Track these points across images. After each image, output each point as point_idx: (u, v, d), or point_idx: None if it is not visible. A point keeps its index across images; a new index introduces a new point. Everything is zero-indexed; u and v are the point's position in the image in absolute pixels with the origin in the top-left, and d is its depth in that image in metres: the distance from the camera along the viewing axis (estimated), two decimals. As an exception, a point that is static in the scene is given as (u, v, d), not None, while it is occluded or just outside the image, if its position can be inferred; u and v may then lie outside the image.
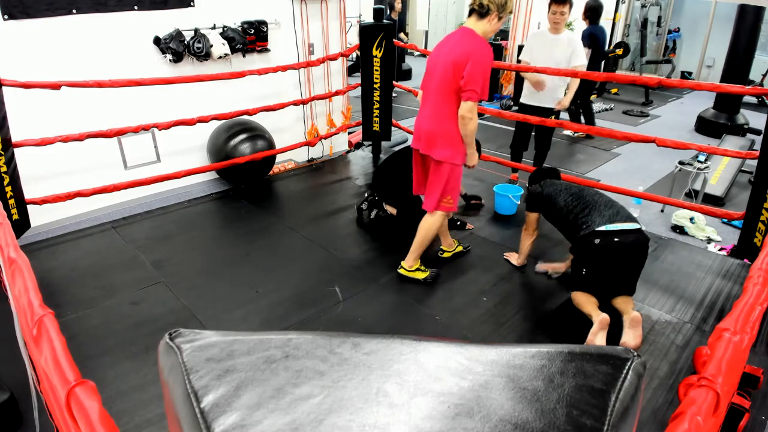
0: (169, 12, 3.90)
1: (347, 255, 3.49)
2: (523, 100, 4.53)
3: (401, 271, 3.16)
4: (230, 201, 4.31)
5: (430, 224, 3.00)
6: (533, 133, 4.65)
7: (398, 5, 8.49)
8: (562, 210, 2.88)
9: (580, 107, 6.72)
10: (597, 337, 2.55)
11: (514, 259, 3.38)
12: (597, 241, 2.62)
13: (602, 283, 2.72)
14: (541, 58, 4.25)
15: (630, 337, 2.59)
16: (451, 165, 2.81)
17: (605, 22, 7.78)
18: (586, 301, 2.71)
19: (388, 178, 3.92)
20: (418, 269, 3.15)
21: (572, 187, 2.99)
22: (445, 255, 3.44)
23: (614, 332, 2.62)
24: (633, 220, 2.70)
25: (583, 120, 6.77)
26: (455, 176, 2.86)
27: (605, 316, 2.58)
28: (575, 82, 4.33)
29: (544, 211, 3.08)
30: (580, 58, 4.25)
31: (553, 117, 4.37)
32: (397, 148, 4.21)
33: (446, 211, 2.99)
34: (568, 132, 6.69)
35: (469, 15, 2.72)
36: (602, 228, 2.63)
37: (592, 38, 6.37)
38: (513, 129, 4.83)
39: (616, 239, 2.60)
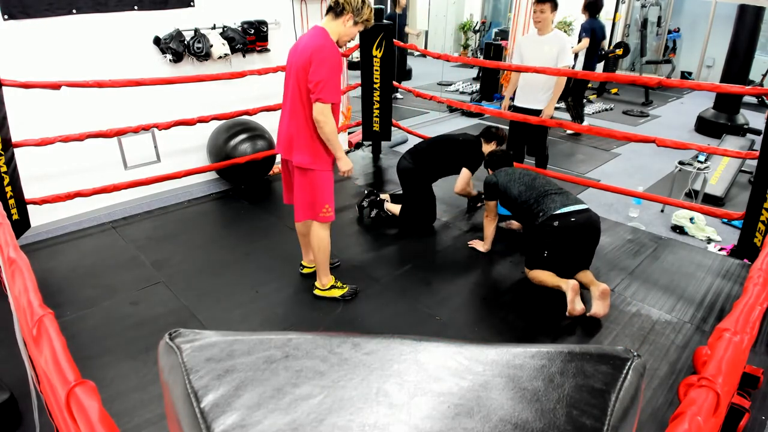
0: (169, 12, 3.90)
1: (347, 255, 3.49)
2: (515, 102, 4.56)
3: (316, 292, 2.96)
4: (230, 201, 4.31)
5: (318, 238, 2.79)
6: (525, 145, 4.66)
7: (402, 0, 8.51)
8: (517, 200, 3.10)
9: (575, 105, 6.74)
10: (576, 304, 2.78)
11: (480, 246, 3.51)
12: (556, 223, 2.86)
13: (563, 262, 2.94)
14: (530, 58, 4.28)
15: (600, 307, 2.78)
16: (315, 172, 2.63)
17: (606, 21, 7.79)
18: (547, 277, 2.92)
19: (430, 162, 3.84)
20: (333, 287, 2.95)
21: (524, 177, 3.17)
22: (305, 271, 3.18)
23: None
24: (582, 202, 2.98)
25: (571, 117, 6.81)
26: (322, 183, 2.66)
27: (574, 282, 2.80)
28: (559, 85, 4.30)
29: (500, 198, 3.26)
30: (567, 58, 4.24)
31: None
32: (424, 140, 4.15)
33: (325, 222, 2.76)
34: (571, 131, 6.70)
35: (326, 13, 2.57)
36: (558, 211, 2.87)
37: (592, 31, 6.40)
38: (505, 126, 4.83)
39: (572, 219, 2.86)
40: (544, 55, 4.24)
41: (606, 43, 7.38)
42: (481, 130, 3.89)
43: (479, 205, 4.22)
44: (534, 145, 4.61)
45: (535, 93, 4.35)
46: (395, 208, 3.88)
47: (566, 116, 6.99)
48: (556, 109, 4.46)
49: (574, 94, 6.66)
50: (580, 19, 6.89)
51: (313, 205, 2.71)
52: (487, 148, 3.79)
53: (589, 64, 6.67)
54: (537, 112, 4.35)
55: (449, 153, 3.85)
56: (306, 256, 3.17)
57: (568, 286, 2.80)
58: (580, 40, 6.54)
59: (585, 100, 6.92)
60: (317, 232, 2.79)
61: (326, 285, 2.94)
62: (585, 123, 6.75)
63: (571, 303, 2.78)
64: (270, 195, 4.51)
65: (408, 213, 3.84)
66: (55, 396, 1.09)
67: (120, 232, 3.73)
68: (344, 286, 2.99)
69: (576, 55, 6.84)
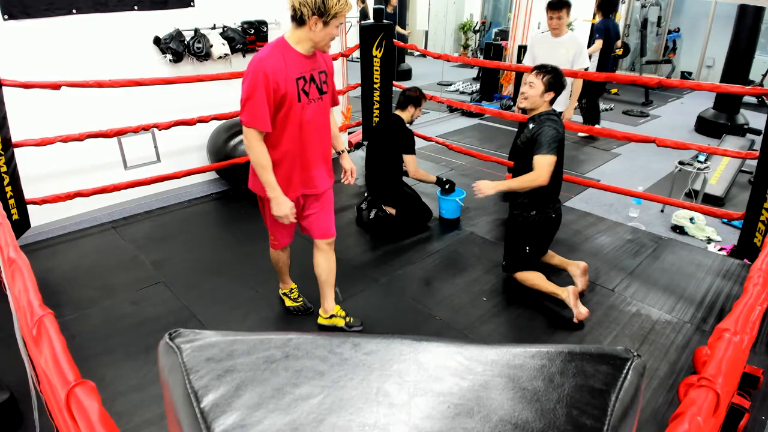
0: (169, 12, 3.90)
1: (347, 255, 3.49)
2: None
3: (321, 320, 2.75)
4: (230, 201, 4.31)
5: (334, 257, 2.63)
6: None
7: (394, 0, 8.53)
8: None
9: (590, 106, 6.71)
10: (580, 308, 2.79)
11: (489, 186, 2.78)
12: (553, 215, 2.95)
13: (541, 253, 3.07)
14: (544, 60, 4.23)
15: (581, 282, 2.98)
16: (259, 196, 2.43)
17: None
18: (540, 281, 2.94)
19: (373, 179, 3.91)
20: (334, 315, 2.73)
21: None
22: (287, 303, 2.91)
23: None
24: None
25: (583, 119, 6.77)
26: (267, 211, 2.40)
27: (572, 288, 2.84)
28: (578, 87, 4.25)
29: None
30: (584, 60, 4.19)
31: None
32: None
33: (272, 249, 2.66)
34: (581, 134, 6.64)
35: (291, 19, 2.16)
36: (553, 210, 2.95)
37: (606, 32, 6.33)
38: (514, 129, 4.83)
39: (553, 215, 2.96)
40: (559, 57, 4.17)
41: (619, 43, 7.27)
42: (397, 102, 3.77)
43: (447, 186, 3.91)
44: None
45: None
46: (392, 210, 3.88)
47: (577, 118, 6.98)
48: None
49: (590, 96, 6.62)
50: (580, 19, 6.86)
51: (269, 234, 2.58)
52: (408, 114, 3.72)
53: (603, 65, 6.60)
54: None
55: (381, 142, 3.83)
56: (283, 285, 2.88)
57: (568, 293, 2.79)
58: (591, 41, 6.49)
59: (595, 101, 6.85)
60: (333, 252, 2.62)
61: (330, 312, 2.72)
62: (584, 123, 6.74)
63: (576, 308, 2.78)
64: (270, 195, 4.51)
65: (403, 212, 3.85)
66: (55, 396, 1.09)
67: (120, 232, 3.73)
68: (347, 316, 2.75)
69: (590, 57, 6.83)
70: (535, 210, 2.89)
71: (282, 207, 2.24)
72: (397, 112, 3.75)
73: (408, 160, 3.74)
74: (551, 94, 2.79)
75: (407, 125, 3.73)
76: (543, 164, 2.71)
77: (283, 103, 2.12)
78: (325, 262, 2.61)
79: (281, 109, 2.14)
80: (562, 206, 3.02)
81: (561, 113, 4.29)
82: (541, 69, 2.81)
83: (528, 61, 4.37)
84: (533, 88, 2.78)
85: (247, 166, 4.30)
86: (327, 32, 2.11)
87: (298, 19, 2.09)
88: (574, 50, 4.19)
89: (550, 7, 4.16)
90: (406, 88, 3.87)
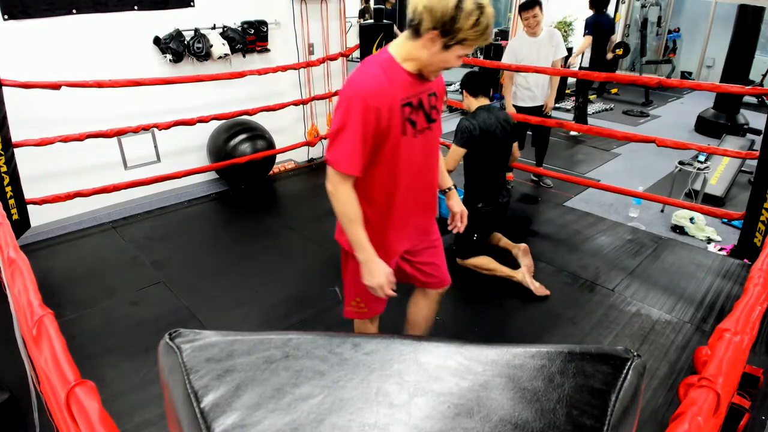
0: (169, 12, 3.90)
1: (347, 255, 3.49)
2: (516, 103, 4.54)
3: None
4: (230, 201, 4.31)
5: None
6: (529, 133, 4.69)
7: None
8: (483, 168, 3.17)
9: (582, 104, 6.70)
10: (535, 283, 3.03)
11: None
12: (480, 205, 3.15)
13: (486, 239, 3.30)
14: (528, 61, 4.28)
15: (526, 262, 3.14)
16: (348, 253, 1.85)
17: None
18: (493, 265, 3.15)
19: None
20: None
21: (490, 136, 3.12)
22: None
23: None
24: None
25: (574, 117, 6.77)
26: (355, 271, 1.78)
27: (523, 268, 3.09)
28: (556, 79, 4.44)
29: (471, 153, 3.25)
30: (562, 50, 4.38)
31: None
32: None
33: (357, 319, 2.06)
34: (573, 132, 6.65)
35: (408, 26, 1.62)
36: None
37: (596, 26, 6.29)
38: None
39: (496, 205, 3.18)
40: (542, 56, 4.27)
41: (615, 38, 7.23)
42: None
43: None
44: (541, 139, 4.75)
45: (543, 91, 4.45)
46: None
47: (566, 116, 6.99)
48: (558, 109, 4.49)
49: (581, 93, 6.62)
50: (581, 18, 6.84)
51: (347, 292, 2.01)
52: None
53: (596, 61, 6.56)
54: (539, 109, 4.48)
55: None
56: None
57: (523, 274, 3.08)
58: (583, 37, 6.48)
59: (587, 100, 6.85)
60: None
61: None
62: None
63: (533, 285, 3.04)
64: (270, 195, 4.52)
65: None
66: (55, 396, 1.09)
67: (120, 232, 3.73)
68: None
69: (582, 54, 6.83)
70: (482, 202, 3.14)
71: (376, 275, 1.67)
72: None
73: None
74: (467, 96, 3.12)
75: None
76: (449, 152, 3.05)
77: (385, 137, 1.61)
78: (430, 314, 2.20)
79: (383, 145, 1.62)
80: (507, 198, 3.28)
81: (543, 105, 4.49)
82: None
83: (509, 59, 4.40)
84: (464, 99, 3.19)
85: (246, 166, 4.36)
86: (443, 58, 1.56)
87: (414, 28, 1.55)
88: (554, 44, 4.33)
89: (524, 9, 4.24)
90: None
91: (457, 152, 3.00)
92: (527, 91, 4.45)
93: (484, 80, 3.16)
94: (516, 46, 4.45)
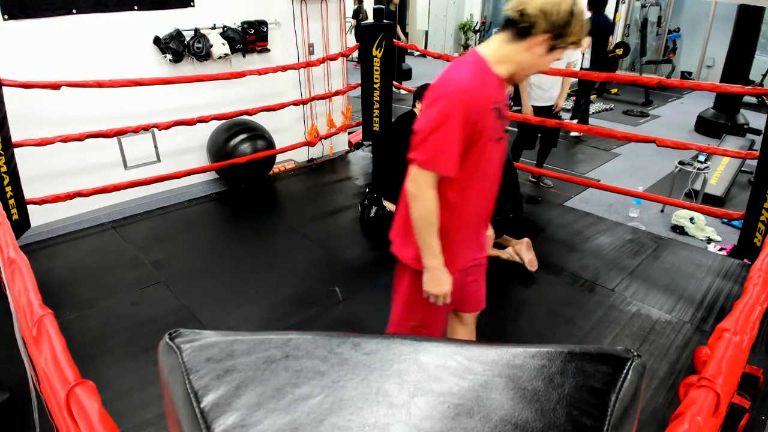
0: (169, 12, 3.90)
1: (347, 255, 3.49)
2: (530, 102, 4.57)
3: None
4: (230, 201, 4.31)
5: None
6: (539, 134, 4.71)
7: None
8: None
9: (584, 104, 6.71)
10: (523, 256, 3.26)
11: None
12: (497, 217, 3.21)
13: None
14: None
15: (530, 257, 3.30)
16: (414, 271, 1.72)
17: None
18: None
19: (379, 173, 3.95)
20: None
21: None
22: None
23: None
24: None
25: (577, 117, 6.77)
26: (417, 289, 1.70)
27: (509, 248, 3.33)
28: (567, 80, 4.49)
29: None
30: (574, 53, 4.45)
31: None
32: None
33: None
34: (574, 133, 6.65)
35: (503, 28, 1.56)
36: None
37: (594, 27, 6.28)
38: (514, 129, 4.83)
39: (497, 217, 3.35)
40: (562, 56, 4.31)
41: (613, 39, 7.25)
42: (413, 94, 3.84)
43: None
44: (549, 139, 4.79)
45: (551, 92, 4.50)
46: (392, 206, 3.89)
47: (565, 116, 6.98)
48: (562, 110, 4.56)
49: (583, 94, 6.63)
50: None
51: (403, 314, 1.91)
52: (417, 110, 3.77)
53: (596, 61, 6.56)
54: (548, 109, 4.54)
55: (391, 136, 3.88)
56: None
57: (509, 253, 3.30)
58: None
59: (589, 100, 6.86)
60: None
61: None
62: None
63: (526, 258, 3.28)
64: (270, 195, 4.52)
65: None
66: (55, 396, 1.09)
67: (120, 232, 3.73)
68: None
69: (583, 55, 6.83)
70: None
71: (444, 282, 1.63)
72: (414, 109, 3.82)
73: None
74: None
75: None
76: None
77: (475, 141, 1.54)
78: (467, 338, 2.11)
79: (471, 149, 1.55)
80: (516, 210, 3.47)
81: (554, 105, 4.55)
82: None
83: None
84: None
85: (246, 166, 4.36)
86: (542, 61, 1.54)
87: (520, 30, 1.48)
88: None
89: None
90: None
91: None
92: (541, 90, 4.49)
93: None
94: None
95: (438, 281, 1.62)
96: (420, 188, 1.54)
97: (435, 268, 1.61)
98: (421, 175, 1.53)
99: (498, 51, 1.54)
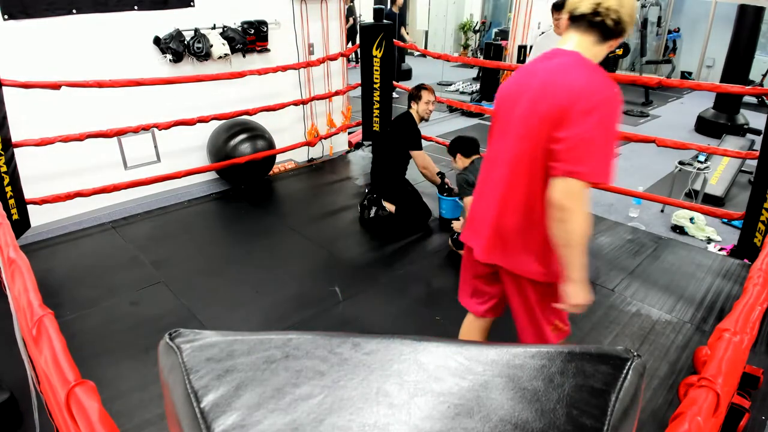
0: (169, 12, 3.90)
1: (347, 255, 3.49)
2: None
3: None
4: (230, 201, 4.31)
5: None
6: None
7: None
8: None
9: None
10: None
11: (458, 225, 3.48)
12: None
13: None
14: None
15: None
16: (537, 284, 1.72)
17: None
18: None
19: (378, 173, 3.96)
20: None
21: None
22: None
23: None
24: None
25: None
26: (552, 297, 1.70)
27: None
28: None
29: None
30: None
31: None
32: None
33: (562, 338, 1.92)
34: None
35: (574, 26, 1.60)
36: None
37: None
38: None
39: None
40: None
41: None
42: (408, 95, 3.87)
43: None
44: None
45: None
46: (392, 206, 3.89)
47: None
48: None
49: None
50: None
51: (541, 323, 1.83)
52: (413, 111, 3.80)
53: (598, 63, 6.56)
54: None
55: (390, 137, 3.91)
56: None
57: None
58: None
59: None
60: None
61: None
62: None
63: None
64: (270, 195, 4.52)
65: (402, 211, 3.86)
66: (55, 396, 1.09)
67: (120, 232, 3.73)
68: None
69: None
70: None
71: (588, 293, 1.59)
72: (410, 110, 3.83)
73: (415, 155, 3.82)
74: (461, 158, 3.36)
75: (416, 122, 3.80)
76: (465, 205, 3.22)
77: None
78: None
79: None
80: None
81: None
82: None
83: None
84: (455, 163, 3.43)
85: (246, 166, 4.36)
86: (603, 55, 1.61)
87: (613, 32, 1.55)
88: None
89: (559, 9, 4.17)
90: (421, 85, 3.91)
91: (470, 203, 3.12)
92: None
93: (476, 142, 3.41)
94: (546, 45, 4.39)
95: (586, 292, 1.58)
96: (580, 202, 1.47)
97: (583, 281, 1.56)
98: (582, 189, 1.46)
99: (589, 52, 1.58)
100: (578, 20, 1.57)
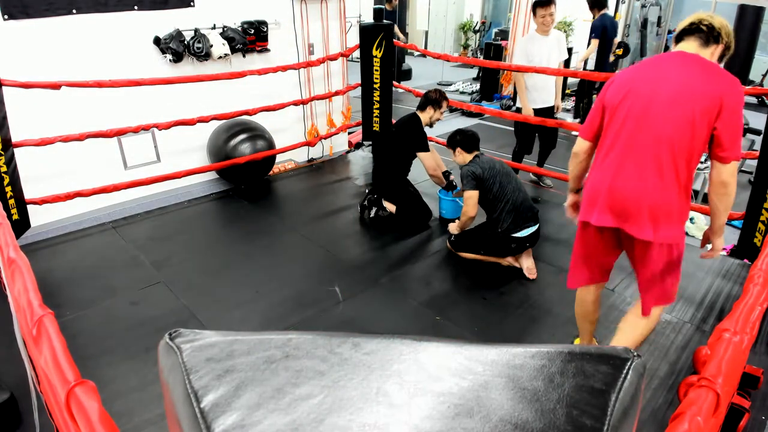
0: (169, 12, 3.90)
1: (347, 255, 3.49)
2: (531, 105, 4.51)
3: None
4: (230, 201, 4.31)
5: (645, 329, 2.21)
6: (536, 134, 4.67)
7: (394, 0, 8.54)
8: (490, 197, 3.27)
9: (585, 105, 6.71)
10: (523, 264, 3.30)
11: (454, 228, 3.53)
12: (513, 245, 3.24)
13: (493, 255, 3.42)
14: (537, 60, 4.26)
15: (529, 264, 3.29)
16: (681, 247, 2.04)
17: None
18: (480, 256, 3.38)
19: (379, 173, 3.94)
20: None
21: (496, 174, 3.26)
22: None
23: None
24: (536, 218, 3.27)
25: (580, 119, 6.77)
26: (680, 258, 2.07)
27: (509, 257, 3.34)
28: (560, 80, 4.49)
29: (480, 190, 3.31)
30: (564, 52, 4.44)
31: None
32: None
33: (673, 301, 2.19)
34: (575, 132, 6.64)
35: (685, 36, 2.00)
36: (517, 235, 3.20)
37: (604, 30, 6.26)
38: (512, 129, 4.82)
39: (527, 243, 3.25)
40: (553, 57, 4.32)
41: (617, 40, 7.22)
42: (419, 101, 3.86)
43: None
44: (550, 140, 4.69)
45: (544, 93, 4.43)
46: (392, 206, 3.89)
47: (565, 116, 6.98)
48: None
49: (586, 95, 6.62)
50: (580, 19, 6.83)
51: (665, 286, 2.10)
52: (426, 116, 3.78)
53: (601, 64, 6.54)
54: (550, 110, 4.51)
55: (394, 138, 3.88)
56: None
57: (509, 262, 3.33)
58: (590, 41, 6.45)
59: (591, 101, 6.88)
60: (646, 321, 2.18)
61: None
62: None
63: (524, 265, 3.28)
64: (270, 195, 4.52)
65: (402, 211, 3.86)
66: (55, 396, 1.09)
67: (120, 232, 3.73)
68: None
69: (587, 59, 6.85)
70: (502, 228, 3.23)
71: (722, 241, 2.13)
72: (418, 113, 3.80)
73: (423, 158, 3.79)
74: (462, 152, 3.38)
75: (424, 126, 3.78)
76: (466, 199, 3.34)
77: None
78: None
79: None
80: (529, 242, 3.26)
81: (555, 106, 4.51)
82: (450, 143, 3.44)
83: (521, 60, 4.35)
84: (455, 157, 3.44)
85: (246, 166, 4.36)
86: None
87: (709, 38, 1.96)
88: (562, 45, 4.38)
89: (541, 6, 4.19)
90: (430, 89, 3.87)
91: (473, 196, 3.28)
92: (536, 92, 4.38)
93: (476, 138, 3.42)
94: (529, 46, 4.34)
95: (721, 240, 2.09)
96: (734, 179, 1.92)
97: (722, 233, 2.08)
98: (736, 169, 1.90)
99: (706, 54, 1.97)
100: (691, 30, 1.99)
